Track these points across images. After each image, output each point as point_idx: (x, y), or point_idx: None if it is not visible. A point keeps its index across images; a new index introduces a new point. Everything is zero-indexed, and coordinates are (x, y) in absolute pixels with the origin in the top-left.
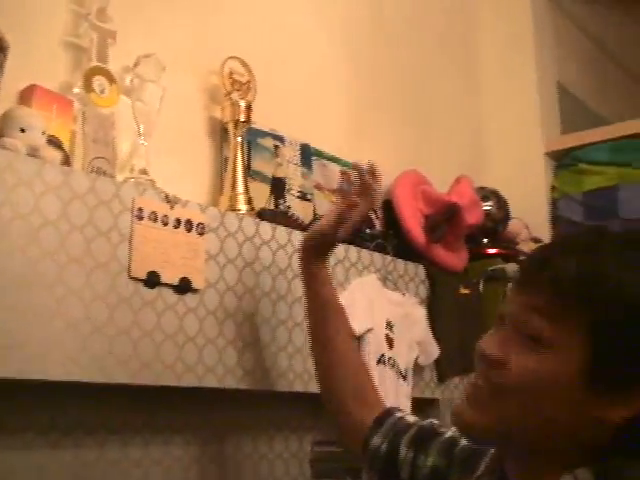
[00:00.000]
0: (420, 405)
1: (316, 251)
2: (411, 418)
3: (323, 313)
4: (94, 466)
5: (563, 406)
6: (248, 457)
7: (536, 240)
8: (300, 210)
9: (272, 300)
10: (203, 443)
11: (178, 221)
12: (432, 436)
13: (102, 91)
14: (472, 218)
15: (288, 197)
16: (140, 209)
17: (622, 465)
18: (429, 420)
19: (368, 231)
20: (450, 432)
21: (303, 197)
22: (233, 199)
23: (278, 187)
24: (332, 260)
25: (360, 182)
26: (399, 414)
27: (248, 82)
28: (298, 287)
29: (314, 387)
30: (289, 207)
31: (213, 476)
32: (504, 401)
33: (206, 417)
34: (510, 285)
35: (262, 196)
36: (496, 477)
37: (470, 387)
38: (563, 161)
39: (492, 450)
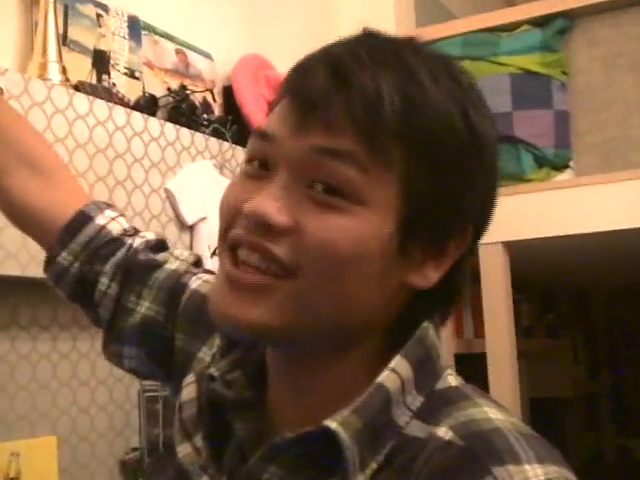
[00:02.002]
0: None
1: None
2: (116, 227)
3: None
4: None
5: (372, 277)
6: (24, 358)
7: None
8: (127, 88)
9: (88, 181)
10: (12, 339)
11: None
12: (147, 270)
13: None
14: None
15: (114, 73)
16: None
17: None
18: (143, 237)
19: (205, 116)
20: (173, 268)
21: (131, 74)
22: (43, 67)
23: (101, 60)
24: (162, 142)
25: None
26: (101, 220)
27: None
28: (120, 168)
29: None
30: (114, 84)
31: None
32: (299, 281)
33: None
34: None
35: (83, 69)
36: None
37: (243, 270)
38: None
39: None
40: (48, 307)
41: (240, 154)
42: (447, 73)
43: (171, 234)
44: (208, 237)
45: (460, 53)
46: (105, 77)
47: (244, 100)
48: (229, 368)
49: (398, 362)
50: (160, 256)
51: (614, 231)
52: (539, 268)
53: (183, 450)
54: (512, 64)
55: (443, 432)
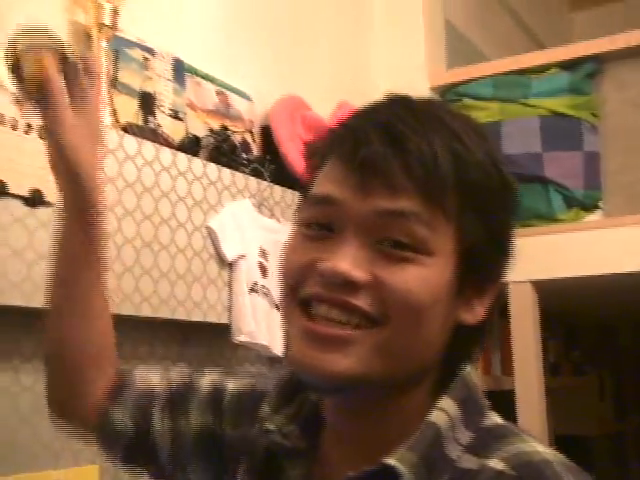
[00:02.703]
0: None
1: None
2: (154, 378)
3: (78, 259)
4: None
5: (440, 320)
6: None
7: None
8: (171, 129)
9: (136, 220)
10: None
11: (29, 126)
12: (188, 395)
13: None
14: None
15: (159, 114)
16: None
17: None
18: (176, 374)
19: (244, 156)
20: (207, 381)
21: (175, 116)
22: None
23: (147, 102)
24: (204, 181)
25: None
26: (138, 379)
27: None
28: (165, 207)
29: (180, 314)
30: (159, 125)
31: None
32: (385, 330)
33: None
34: (328, 169)
35: (129, 110)
36: (301, 418)
37: (322, 323)
38: (447, 97)
39: (270, 387)
40: None
41: (277, 193)
42: (473, 128)
43: (212, 270)
44: (247, 274)
45: (490, 94)
46: (151, 118)
47: (281, 140)
48: (285, 422)
49: (445, 402)
50: (193, 378)
51: None
52: (567, 306)
53: None
54: (542, 106)
55: (494, 463)
